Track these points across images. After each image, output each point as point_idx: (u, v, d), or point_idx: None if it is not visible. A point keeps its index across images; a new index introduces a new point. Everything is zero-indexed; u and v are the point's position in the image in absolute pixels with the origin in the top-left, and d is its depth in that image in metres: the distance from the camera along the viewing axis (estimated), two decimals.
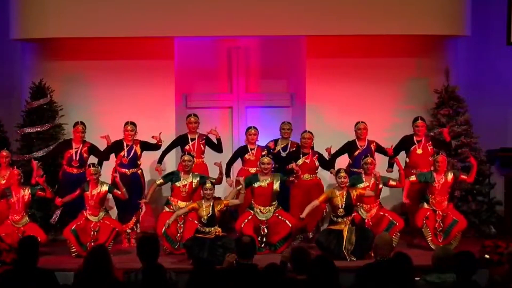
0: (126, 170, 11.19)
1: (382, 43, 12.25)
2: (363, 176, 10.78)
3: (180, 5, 11.66)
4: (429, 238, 10.72)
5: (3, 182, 10.84)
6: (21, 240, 7.23)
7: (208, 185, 10.27)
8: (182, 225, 10.56)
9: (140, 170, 11.32)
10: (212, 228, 10.14)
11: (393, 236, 10.37)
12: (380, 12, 11.72)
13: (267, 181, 10.74)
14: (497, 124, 12.83)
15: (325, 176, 11.65)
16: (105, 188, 10.57)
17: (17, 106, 12.34)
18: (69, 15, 11.63)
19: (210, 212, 10.12)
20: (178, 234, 10.54)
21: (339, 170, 10.52)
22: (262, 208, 10.74)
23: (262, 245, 10.62)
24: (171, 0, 11.69)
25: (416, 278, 6.92)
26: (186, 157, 10.73)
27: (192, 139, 11.46)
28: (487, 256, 9.87)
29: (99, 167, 10.75)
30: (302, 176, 11.10)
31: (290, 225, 10.72)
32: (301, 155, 11.17)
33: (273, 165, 10.84)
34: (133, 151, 11.20)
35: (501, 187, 12.16)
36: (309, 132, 11.29)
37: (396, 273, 6.80)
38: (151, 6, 11.64)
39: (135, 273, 6.81)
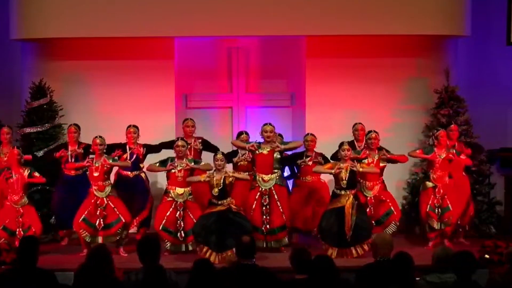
0: (129, 173, 11.18)
1: (382, 43, 12.25)
2: (367, 152, 10.93)
3: (180, 5, 11.67)
4: (434, 224, 10.84)
5: (6, 159, 10.89)
6: (21, 240, 7.23)
7: (219, 155, 10.34)
8: (181, 222, 10.59)
9: (143, 173, 11.32)
10: (225, 201, 10.23)
11: (392, 223, 10.77)
12: (380, 12, 11.73)
13: (268, 149, 10.77)
14: (497, 124, 12.83)
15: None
16: (109, 161, 10.58)
17: (17, 106, 12.35)
18: (69, 15, 11.64)
19: (222, 184, 10.18)
20: (179, 232, 10.57)
21: (342, 143, 10.54)
22: (264, 176, 10.76)
23: (266, 225, 10.66)
24: (171, 0, 11.70)
25: (416, 278, 6.93)
26: (180, 142, 10.70)
27: (188, 144, 11.35)
28: (487, 256, 9.88)
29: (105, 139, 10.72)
30: (305, 177, 11.16)
31: (284, 217, 10.79)
32: (304, 157, 11.16)
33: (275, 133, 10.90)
34: (135, 155, 11.19)
35: (501, 187, 12.18)
36: (311, 134, 11.24)
37: (397, 273, 6.80)
38: (151, 6, 11.65)
39: (135, 273, 6.82)
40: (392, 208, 10.88)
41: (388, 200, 10.92)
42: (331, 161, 10.93)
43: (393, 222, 10.85)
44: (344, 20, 11.73)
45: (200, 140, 11.41)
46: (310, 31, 11.82)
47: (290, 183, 11.49)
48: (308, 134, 11.31)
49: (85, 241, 10.49)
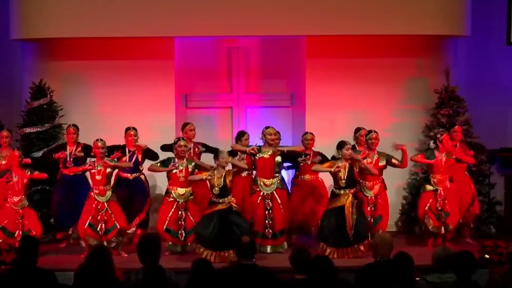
0: (129, 175, 11.17)
1: (382, 43, 12.25)
2: (367, 151, 10.94)
3: (180, 5, 11.67)
4: (431, 225, 10.85)
5: (4, 162, 10.87)
6: (21, 240, 7.23)
7: (225, 153, 10.34)
8: (183, 222, 10.58)
9: (142, 175, 11.31)
10: (226, 199, 10.24)
11: (378, 231, 10.75)
12: (380, 12, 11.73)
13: (269, 152, 10.78)
14: (497, 124, 12.82)
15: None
16: (111, 162, 10.57)
17: (17, 106, 12.34)
18: (69, 15, 11.64)
19: (222, 182, 10.19)
20: (180, 232, 10.57)
21: (343, 142, 10.50)
22: (265, 180, 10.77)
23: (268, 229, 10.67)
24: (171, 0, 11.69)
25: (416, 278, 6.92)
26: (182, 142, 10.68)
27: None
28: (487, 256, 9.88)
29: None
30: (303, 176, 11.16)
31: (285, 221, 10.80)
32: (303, 156, 11.17)
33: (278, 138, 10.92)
34: (135, 156, 11.18)
35: (501, 187, 12.17)
36: (311, 133, 11.28)
37: (397, 273, 6.80)
38: (151, 6, 11.64)
39: (135, 273, 6.81)
40: (381, 215, 10.88)
41: (381, 204, 10.91)
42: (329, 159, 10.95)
43: (379, 230, 10.81)
44: (344, 20, 11.73)
45: (200, 146, 11.39)
46: (310, 31, 11.82)
47: (289, 176, 11.50)
48: (307, 132, 11.32)
49: (89, 245, 10.37)
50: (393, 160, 10.91)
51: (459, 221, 11.04)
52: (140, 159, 11.23)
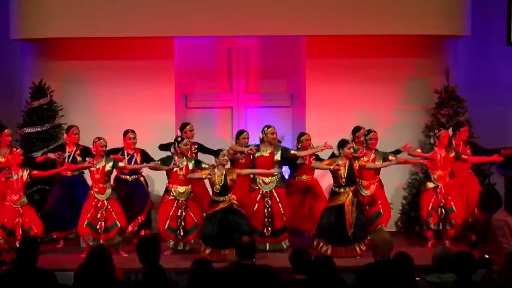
0: (128, 177, 11.19)
1: (382, 43, 12.25)
2: (364, 150, 10.94)
3: (180, 5, 11.67)
4: (432, 224, 10.88)
5: (3, 160, 10.85)
6: (22, 240, 7.24)
7: (225, 152, 10.42)
8: (182, 221, 10.59)
9: (142, 177, 11.33)
10: (226, 197, 10.27)
11: (379, 226, 10.77)
12: (380, 12, 11.73)
13: (269, 151, 10.82)
14: (497, 124, 12.83)
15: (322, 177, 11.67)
16: (110, 163, 10.58)
17: (17, 106, 12.35)
18: (69, 15, 11.64)
19: (223, 181, 10.22)
20: (179, 230, 10.57)
21: (346, 141, 10.52)
22: (264, 178, 10.80)
23: (268, 227, 10.71)
24: (171, 0, 11.70)
25: (416, 278, 6.93)
26: (185, 141, 10.72)
27: None
28: (487, 256, 9.87)
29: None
30: (300, 177, 11.19)
31: (285, 219, 10.83)
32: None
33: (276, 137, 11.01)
34: (133, 159, 11.18)
35: (501, 187, 12.16)
36: (308, 134, 11.29)
37: (397, 273, 6.80)
38: (151, 6, 11.65)
39: (135, 273, 6.82)
40: (381, 210, 10.87)
41: (379, 202, 10.91)
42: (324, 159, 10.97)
43: (380, 225, 10.81)
44: (344, 20, 11.73)
45: (196, 146, 11.43)
46: (310, 31, 11.83)
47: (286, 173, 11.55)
48: (305, 133, 11.34)
49: (89, 245, 10.39)
50: (390, 157, 10.90)
51: (468, 219, 11.06)
52: (138, 161, 11.22)
